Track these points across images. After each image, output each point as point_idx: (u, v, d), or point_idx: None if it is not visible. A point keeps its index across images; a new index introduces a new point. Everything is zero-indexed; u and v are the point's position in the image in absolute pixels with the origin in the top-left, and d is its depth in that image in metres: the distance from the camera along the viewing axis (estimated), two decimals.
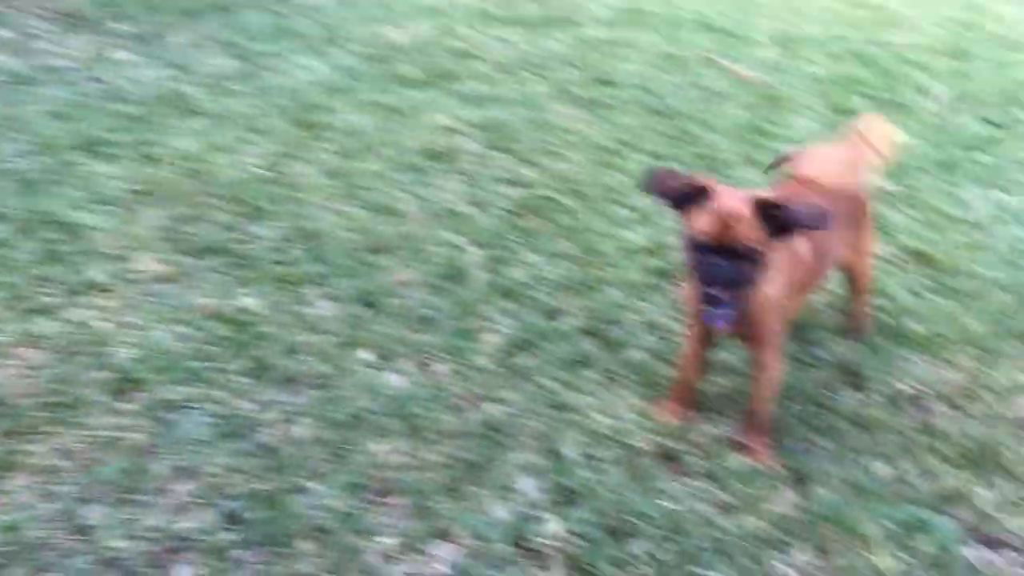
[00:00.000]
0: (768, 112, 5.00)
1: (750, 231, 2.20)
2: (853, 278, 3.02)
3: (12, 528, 2.18)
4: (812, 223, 2.23)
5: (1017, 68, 5.97)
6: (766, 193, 2.32)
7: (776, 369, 2.57)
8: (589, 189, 3.99)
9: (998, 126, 4.99)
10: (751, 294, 2.33)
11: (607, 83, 5.22)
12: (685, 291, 2.58)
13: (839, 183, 2.75)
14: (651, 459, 2.57)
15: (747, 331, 2.49)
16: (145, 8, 5.71)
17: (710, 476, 2.52)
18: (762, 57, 5.87)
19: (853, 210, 2.80)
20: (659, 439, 2.62)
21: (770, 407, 2.60)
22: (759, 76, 5.50)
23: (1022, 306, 3.32)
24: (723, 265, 2.23)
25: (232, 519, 2.27)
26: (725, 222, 2.19)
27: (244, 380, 2.73)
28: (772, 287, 2.38)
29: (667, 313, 3.17)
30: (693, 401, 2.73)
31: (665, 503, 2.42)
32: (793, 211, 2.20)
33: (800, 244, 2.46)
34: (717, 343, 2.71)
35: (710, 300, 2.30)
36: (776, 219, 2.21)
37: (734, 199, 2.23)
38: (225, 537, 2.22)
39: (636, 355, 2.96)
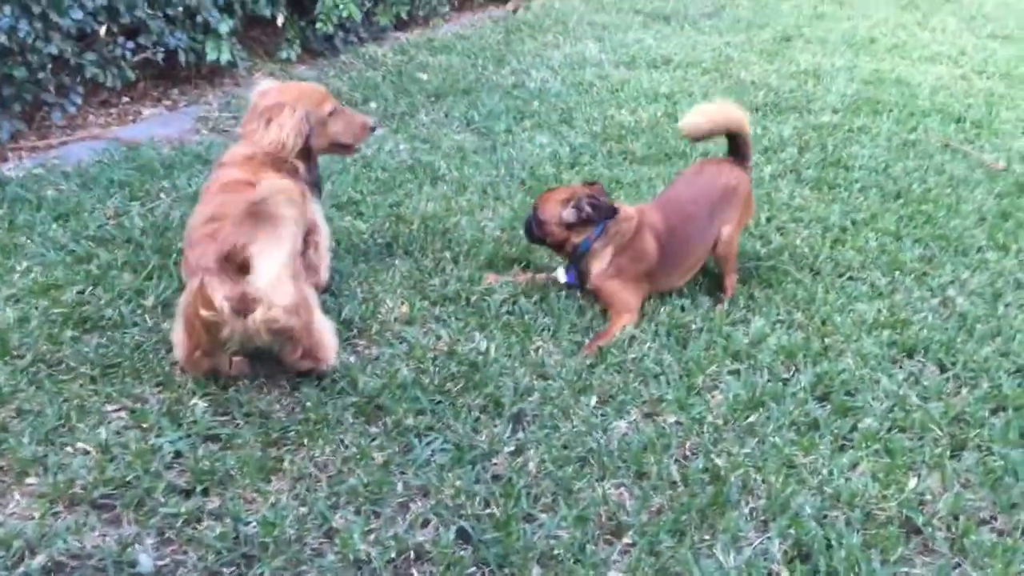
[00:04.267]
0: (1020, 200, 4.74)
1: None
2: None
3: (271, 524, 2.37)
4: None
5: None
6: None
7: None
8: (821, 264, 3.92)
9: None
10: None
11: (839, 165, 5.14)
12: None
13: None
14: (892, 527, 2.44)
15: None
16: (397, 92, 6.24)
17: (956, 550, 2.36)
18: (1015, 147, 5.60)
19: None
20: (902, 509, 2.49)
21: None
22: (1003, 163, 5.24)
23: None
24: None
25: (465, 537, 2.37)
26: None
27: (476, 414, 2.86)
28: None
29: (907, 388, 3.04)
30: None
31: (904, 568, 2.29)
32: None
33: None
34: None
35: None
36: None
37: None
38: (459, 554, 2.32)
39: (871, 423, 2.86)
